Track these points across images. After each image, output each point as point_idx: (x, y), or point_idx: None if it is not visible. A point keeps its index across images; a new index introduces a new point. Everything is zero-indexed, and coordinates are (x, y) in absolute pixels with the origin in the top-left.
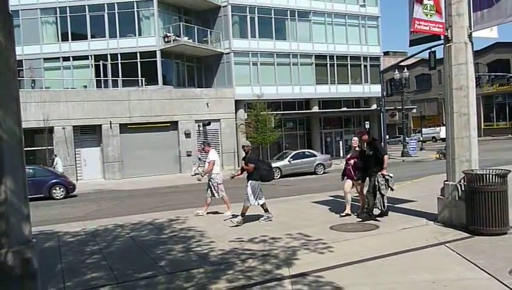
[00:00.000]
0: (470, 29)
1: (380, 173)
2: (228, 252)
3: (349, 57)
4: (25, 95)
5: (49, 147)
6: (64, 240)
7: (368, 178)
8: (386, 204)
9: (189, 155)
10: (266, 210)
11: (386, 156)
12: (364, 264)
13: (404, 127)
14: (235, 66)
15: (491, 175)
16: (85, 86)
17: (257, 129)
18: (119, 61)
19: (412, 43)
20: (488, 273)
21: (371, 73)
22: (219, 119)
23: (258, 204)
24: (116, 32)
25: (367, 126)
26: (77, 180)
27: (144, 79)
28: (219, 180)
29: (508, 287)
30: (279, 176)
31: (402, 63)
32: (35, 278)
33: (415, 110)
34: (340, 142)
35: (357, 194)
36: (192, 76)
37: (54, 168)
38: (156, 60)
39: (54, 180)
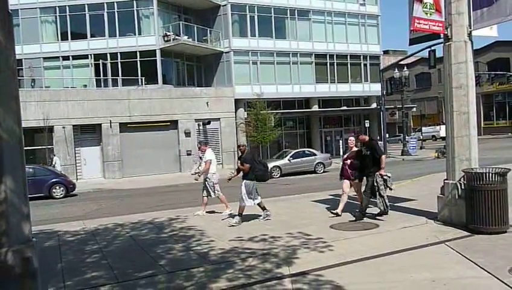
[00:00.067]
0: (470, 28)
1: (378, 173)
2: (228, 251)
3: (349, 56)
4: (24, 95)
5: (49, 146)
6: (64, 239)
7: (365, 178)
8: (388, 204)
9: (189, 154)
10: (264, 208)
11: (383, 156)
12: (364, 263)
13: (404, 126)
14: (235, 65)
15: (491, 174)
16: (85, 85)
17: (257, 128)
18: (119, 60)
19: (412, 41)
20: (488, 272)
21: (371, 72)
22: (219, 118)
23: (255, 204)
24: (116, 32)
25: (367, 125)
26: (77, 179)
27: (143, 78)
28: (215, 180)
29: (508, 285)
30: (279, 175)
31: (402, 62)
32: (36, 277)
33: (414, 109)
34: (340, 141)
35: (356, 194)
36: (192, 75)
37: (54, 167)
38: (155, 59)
39: (54, 180)
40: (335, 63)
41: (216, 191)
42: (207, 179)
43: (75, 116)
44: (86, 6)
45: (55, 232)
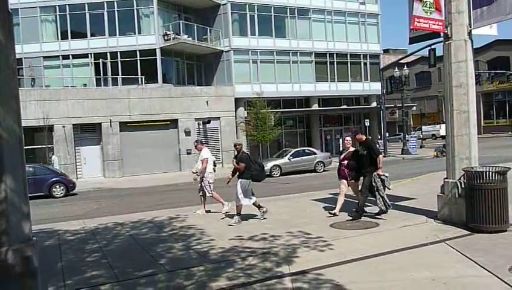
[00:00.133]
0: (470, 27)
1: (375, 173)
2: (228, 250)
3: (349, 55)
4: (24, 94)
5: (49, 146)
6: (65, 238)
7: (361, 177)
8: (389, 203)
9: (189, 153)
10: (259, 207)
11: (380, 156)
12: (364, 261)
13: (404, 125)
14: (235, 64)
15: (491, 172)
16: (85, 85)
17: (257, 127)
18: (119, 59)
19: (412, 40)
20: (488, 271)
21: (371, 71)
22: (219, 117)
23: (251, 203)
24: (116, 31)
25: (367, 124)
26: (77, 178)
27: (143, 77)
28: (210, 179)
29: (508, 284)
30: (279, 173)
31: (402, 61)
32: (36, 276)
33: (414, 108)
34: (340, 140)
35: (354, 194)
36: (192, 74)
37: (53, 166)
38: (155, 58)
39: (54, 179)
40: (335, 62)
41: (210, 191)
42: (203, 178)
43: (75, 115)
44: (86, 5)
45: (55, 231)
